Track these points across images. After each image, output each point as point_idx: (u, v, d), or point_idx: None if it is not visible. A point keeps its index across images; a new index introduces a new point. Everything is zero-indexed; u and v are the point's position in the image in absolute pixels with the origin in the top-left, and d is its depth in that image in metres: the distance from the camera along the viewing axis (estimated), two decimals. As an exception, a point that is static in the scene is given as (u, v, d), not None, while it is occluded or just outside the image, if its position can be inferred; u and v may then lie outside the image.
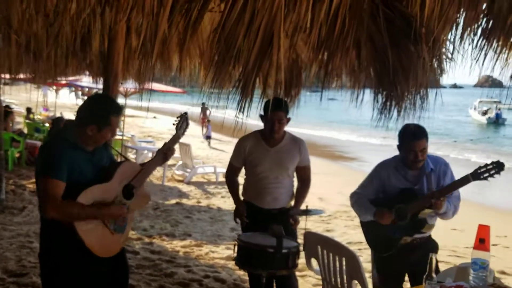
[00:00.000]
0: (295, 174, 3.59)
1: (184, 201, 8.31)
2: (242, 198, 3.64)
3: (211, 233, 6.40)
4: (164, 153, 2.83)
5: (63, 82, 11.33)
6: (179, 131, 2.93)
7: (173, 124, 2.96)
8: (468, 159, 18.44)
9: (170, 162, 10.61)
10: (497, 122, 34.66)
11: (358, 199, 3.25)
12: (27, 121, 13.40)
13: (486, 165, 2.89)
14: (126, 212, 2.59)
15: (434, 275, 2.50)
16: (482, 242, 2.52)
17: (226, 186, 10.92)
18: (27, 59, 5.88)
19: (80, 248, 2.44)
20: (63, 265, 2.51)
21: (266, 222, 3.11)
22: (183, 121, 2.94)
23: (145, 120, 25.74)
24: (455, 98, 61.75)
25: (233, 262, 5.10)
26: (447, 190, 2.98)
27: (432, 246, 3.14)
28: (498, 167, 2.85)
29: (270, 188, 3.42)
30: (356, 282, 2.79)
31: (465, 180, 2.92)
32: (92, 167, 2.55)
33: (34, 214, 6.56)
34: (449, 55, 2.87)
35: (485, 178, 2.89)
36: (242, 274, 4.83)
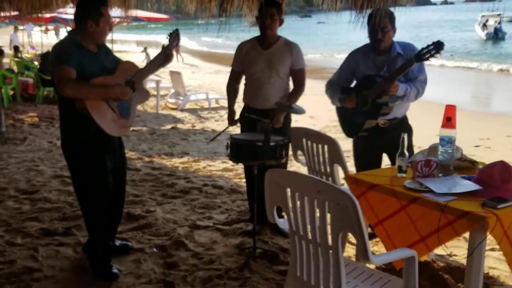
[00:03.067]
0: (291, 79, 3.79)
1: (179, 126, 8.58)
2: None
3: (207, 151, 6.73)
4: (165, 53, 3.16)
5: (48, 16, 11.17)
6: (172, 42, 3.25)
7: (166, 37, 3.27)
8: (465, 66, 19.20)
9: (162, 92, 10.88)
10: (496, 36, 33.90)
11: (330, 86, 3.52)
12: (16, 59, 13.35)
13: (428, 46, 3.05)
14: (129, 90, 2.96)
15: (406, 152, 2.80)
16: (449, 120, 2.79)
17: (219, 111, 11.10)
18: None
19: (95, 130, 2.83)
20: (82, 145, 2.95)
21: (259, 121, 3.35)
22: (175, 35, 3.27)
23: (135, 54, 25.50)
24: (448, 14, 60.57)
25: (230, 173, 5.52)
26: (395, 74, 3.16)
27: (405, 128, 3.40)
28: (438, 47, 3.01)
29: (261, 89, 3.65)
30: (337, 165, 3.10)
31: (409, 63, 3.10)
32: (97, 65, 2.92)
33: (36, 143, 6.85)
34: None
35: (427, 59, 3.06)
36: (238, 181, 5.19)
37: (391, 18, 3.30)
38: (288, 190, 2.14)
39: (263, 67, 3.62)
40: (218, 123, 8.96)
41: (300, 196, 2.08)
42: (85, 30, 2.88)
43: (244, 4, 4.54)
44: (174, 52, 3.24)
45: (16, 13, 10.02)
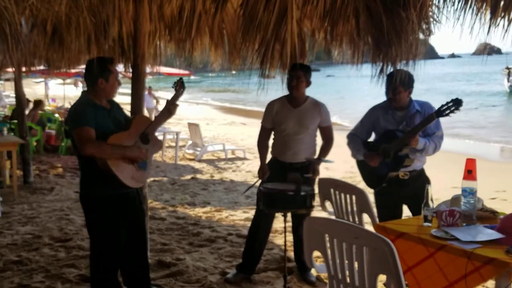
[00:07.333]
0: (319, 134, 4.06)
1: (199, 176, 8.82)
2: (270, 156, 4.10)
3: (228, 201, 6.93)
4: (168, 108, 3.38)
5: (74, 71, 11.71)
6: (178, 91, 3.48)
7: (172, 87, 3.50)
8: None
9: (180, 143, 11.20)
10: None
11: (352, 140, 3.77)
12: (40, 112, 13.83)
13: (447, 103, 3.30)
14: (145, 153, 3.16)
15: (431, 202, 2.99)
16: (469, 172, 2.99)
17: (235, 162, 11.31)
18: (49, 49, 6.29)
19: (114, 183, 3.00)
20: (101, 200, 3.08)
21: (287, 174, 3.58)
22: (180, 84, 3.49)
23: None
24: (459, 67, 60.80)
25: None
26: (417, 128, 3.40)
27: (424, 180, 3.58)
28: (457, 104, 3.26)
29: (291, 144, 3.90)
30: (365, 215, 3.29)
31: (430, 118, 3.35)
32: (111, 121, 3.13)
33: (63, 193, 7.09)
34: (436, 18, 3.31)
35: (447, 115, 3.30)
36: (262, 231, 5.34)
37: (404, 80, 3.52)
38: (326, 236, 2.33)
39: (294, 124, 3.89)
40: (236, 173, 9.19)
41: (338, 241, 2.27)
42: (96, 88, 3.09)
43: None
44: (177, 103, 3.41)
45: (41, 67, 10.55)
